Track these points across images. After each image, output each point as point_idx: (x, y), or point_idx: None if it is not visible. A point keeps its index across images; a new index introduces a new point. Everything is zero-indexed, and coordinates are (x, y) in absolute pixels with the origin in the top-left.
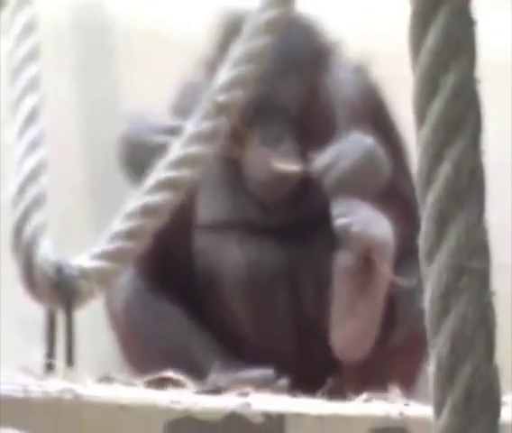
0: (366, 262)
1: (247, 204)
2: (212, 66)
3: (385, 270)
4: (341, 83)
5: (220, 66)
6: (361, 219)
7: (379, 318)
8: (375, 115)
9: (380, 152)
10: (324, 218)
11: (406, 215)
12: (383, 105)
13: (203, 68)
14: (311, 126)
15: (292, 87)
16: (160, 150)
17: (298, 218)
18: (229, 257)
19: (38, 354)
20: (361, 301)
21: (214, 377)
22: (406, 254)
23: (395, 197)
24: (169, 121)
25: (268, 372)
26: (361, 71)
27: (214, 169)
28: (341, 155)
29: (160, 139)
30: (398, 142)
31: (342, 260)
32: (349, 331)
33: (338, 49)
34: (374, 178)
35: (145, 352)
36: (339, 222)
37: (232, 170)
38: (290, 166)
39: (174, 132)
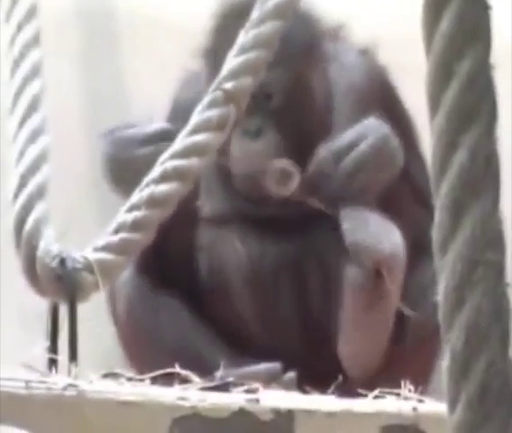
0: (376, 276)
1: (242, 196)
2: (213, 53)
3: (394, 291)
4: (345, 68)
5: (221, 53)
6: (371, 234)
7: (388, 334)
8: (383, 100)
9: (395, 141)
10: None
11: (419, 203)
12: (392, 90)
13: (204, 56)
14: (297, 118)
15: (277, 77)
16: (148, 160)
17: (300, 209)
18: (230, 251)
19: (40, 350)
20: (370, 317)
21: (221, 373)
22: (418, 244)
23: (408, 185)
24: (153, 126)
25: (275, 366)
26: (366, 55)
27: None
28: (359, 139)
29: (146, 150)
30: (410, 127)
31: (352, 274)
32: (357, 347)
33: (342, 33)
34: (390, 166)
35: (148, 350)
36: (348, 237)
37: (223, 160)
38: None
39: (160, 137)
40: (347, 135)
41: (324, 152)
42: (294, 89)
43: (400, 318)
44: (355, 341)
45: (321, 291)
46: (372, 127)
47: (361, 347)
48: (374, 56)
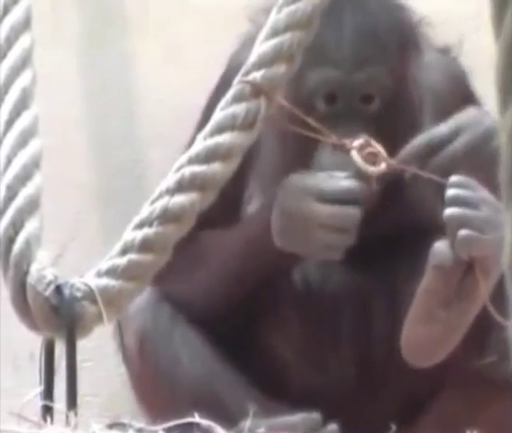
0: (468, 264)
1: None
2: None
3: (484, 289)
4: (425, 67)
5: None
6: (477, 219)
7: (463, 333)
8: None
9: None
10: (399, 234)
11: None
12: (473, 97)
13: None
14: (397, 124)
15: (376, 75)
16: None
17: (368, 230)
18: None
19: (33, 395)
20: (449, 305)
21: (249, 423)
22: None
23: None
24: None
25: (313, 416)
26: (448, 55)
27: None
28: (453, 134)
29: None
30: None
31: (440, 252)
32: (424, 335)
33: (422, 27)
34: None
35: (163, 395)
36: (450, 212)
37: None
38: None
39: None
40: (439, 129)
41: (412, 145)
42: (394, 90)
43: (485, 328)
44: (422, 327)
45: (385, 329)
46: (471, 121)
47: (427, 336)
48: (456, 58)
